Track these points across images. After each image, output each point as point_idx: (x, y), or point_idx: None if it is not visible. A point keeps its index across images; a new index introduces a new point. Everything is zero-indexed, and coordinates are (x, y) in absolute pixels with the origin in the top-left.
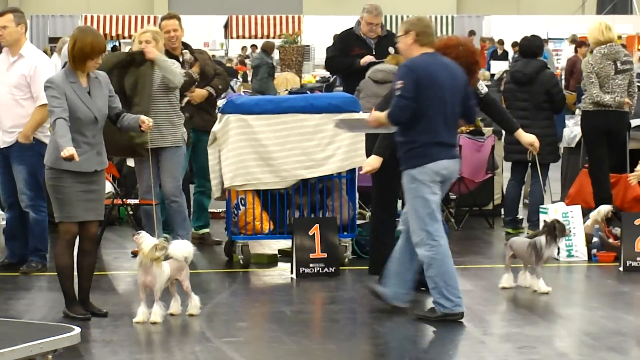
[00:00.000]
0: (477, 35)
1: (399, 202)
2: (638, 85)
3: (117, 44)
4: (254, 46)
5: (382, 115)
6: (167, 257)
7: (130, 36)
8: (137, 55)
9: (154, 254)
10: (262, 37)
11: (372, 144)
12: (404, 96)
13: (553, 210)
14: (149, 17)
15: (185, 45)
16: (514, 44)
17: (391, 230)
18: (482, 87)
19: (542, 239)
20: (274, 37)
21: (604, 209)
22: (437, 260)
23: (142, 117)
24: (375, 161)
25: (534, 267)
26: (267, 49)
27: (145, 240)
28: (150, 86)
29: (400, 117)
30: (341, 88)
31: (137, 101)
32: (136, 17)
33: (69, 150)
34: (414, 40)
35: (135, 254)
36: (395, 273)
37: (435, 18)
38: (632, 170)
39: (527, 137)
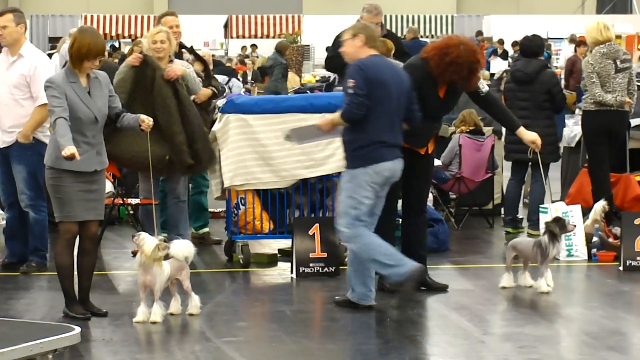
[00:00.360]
0: (484, 36)
1: (399, 202)
2: (637, 84)
3: (116, 43)
4: (253, 46)
5: (335, 116)
6: (167, 257)
7: (130, 36)
8: (159, 80)
9: (156, 254)
10: (262, 37)
11: None
12: (357, 94)
13: (553, 210)
14: (148, 17)
15: (182, 46)
16: (514, 44)
17: (391, 229)
18: (483, 85)
19: (546, 237)
20: (274, 37)
21: (599, 206)
22: (368, 244)
23: (142, 116)
24: None
25: (539, 266)
26: (281, 49)
27: (147, 241)
28: (193, 106)
29: (356, 115)
30: (341, 88)
31: (178, 130)
32: (136, 17)
33: (70, 149)
34: (363, 43)
35: (135, 254)
36: (355, 273)
37: (435, 17)
38: (632, 170)
39: (529, 135)
